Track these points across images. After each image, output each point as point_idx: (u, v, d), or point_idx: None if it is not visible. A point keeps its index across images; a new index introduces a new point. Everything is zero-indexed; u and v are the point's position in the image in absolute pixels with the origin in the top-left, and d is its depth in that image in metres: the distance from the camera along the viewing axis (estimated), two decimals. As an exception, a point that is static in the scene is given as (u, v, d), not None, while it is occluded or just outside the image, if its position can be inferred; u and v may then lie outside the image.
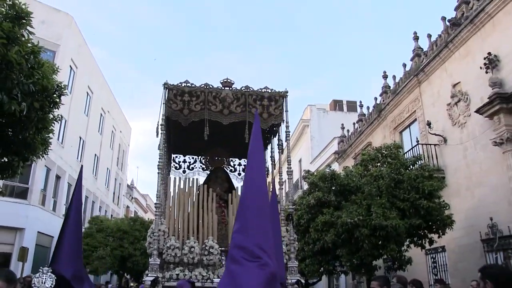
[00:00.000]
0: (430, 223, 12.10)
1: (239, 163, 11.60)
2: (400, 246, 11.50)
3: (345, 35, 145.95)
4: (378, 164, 13.00)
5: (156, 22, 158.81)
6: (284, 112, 8.79)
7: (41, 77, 6.04)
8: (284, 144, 9.08)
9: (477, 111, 12.90)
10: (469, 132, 14.16)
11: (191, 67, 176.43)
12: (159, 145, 8.49)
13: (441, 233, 12.46)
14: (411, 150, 16.85)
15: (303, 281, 6.48)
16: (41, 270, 4.23)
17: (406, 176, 11.85)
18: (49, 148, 7.29)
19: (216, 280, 7.49)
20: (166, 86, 8.47)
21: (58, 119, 7.21)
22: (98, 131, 34.44)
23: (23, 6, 5.50)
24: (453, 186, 14.75)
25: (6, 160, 6.04)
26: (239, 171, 11.51)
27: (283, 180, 9.16)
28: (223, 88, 8.71)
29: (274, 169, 10.01)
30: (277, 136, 9.57)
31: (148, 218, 31.01)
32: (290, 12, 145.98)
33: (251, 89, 8.83)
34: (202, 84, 8.61)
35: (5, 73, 4.70)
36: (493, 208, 12.54)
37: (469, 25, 14.18)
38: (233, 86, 8.80)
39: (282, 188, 9.17)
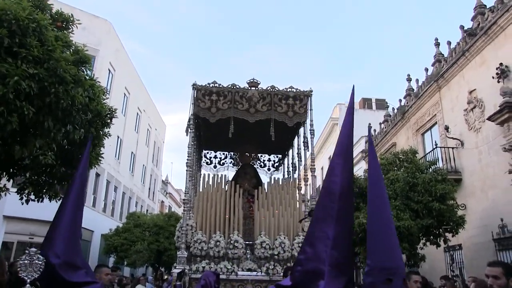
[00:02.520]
0: (444, 223, 13.01)
1: (269, 158, 12.04)
2: (413, 244, 12.45)
3: (383, 31, 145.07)
4: (396, 168, 13.97)
5: (196, 15, 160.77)
6: (309, 111, 9.19)
7: (96, 104, 7.34)
8: (309, 141, 9.41)
9: (489, 118, 13.71)
10: (483, 137, 14.96)
11: (230, 61, 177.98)
12: (188, 143, 8.90)
13: (454, 233, 13.35)
14: (431, 153, 17.74)
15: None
16: (27, 252, 3.60)
17: (421, 179, 12.77)
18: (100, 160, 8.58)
19: (240, 273, 8.01)
20: (195, 86, 8.87)
21: (108, 135, 8.51)
22: (135, 129, 36.07)
23: (86, 52, 6.80)
24: (469, 187, 15.59)
25: (68, 173, 7.34)
26: (269, 166, 11.93)
27: (308, 177, 9.54)
28: (249, 88, 9.14)
29: (301, 165, 10.36)
30: (302, 134, 9.89)
31: (182, 213, 32.29)
32: (331, 6, 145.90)
33: (277, 88, 9.18)
34: (229, 85, 9.05)
35: (70, 110, 5.94)
36: (504, 209, 13.38)
37: (483, 36, 14.93)
38: (259, 86, 9.22)
39: (307, 184, 9.63)
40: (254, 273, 8.16)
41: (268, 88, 9.16)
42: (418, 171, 13.26)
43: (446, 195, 12.73)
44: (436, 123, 18.67)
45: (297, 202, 9.42)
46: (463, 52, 16.14)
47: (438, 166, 15.01)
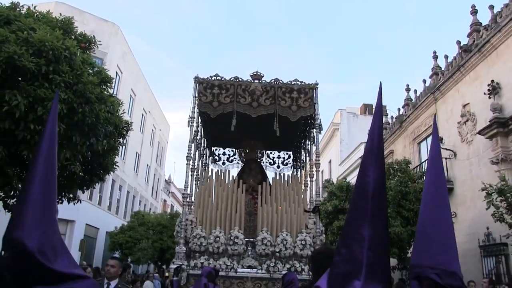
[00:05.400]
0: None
1: (278, 155, 11.74)
2: (403, 249, 13.22)
3: (384, 35, 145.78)
4: (390, 177, 14.74)
5: (199, 14, 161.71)
6: (314, 104, 8.71)
7: (115, 117, 8.17)
8: (318, 136, 9.14)
9: (480, 132, 14.48)
10: (474, 149, 15.71)
11: (232, 60, 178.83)
12: (190, 136, 8.55)
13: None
14: (425, 162, 18.50)
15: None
16: None
17: (412, 188, 13.56)
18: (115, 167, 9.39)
19: (240, 269, 7.75)
20: (197, 79, 8.55)
21: (123, 144, 9.32)
22: (140, 130, 36.84)
23: (107, 73, 7.65)
24: (460, 196, 16.35)
25: (89, 178, 8.18)
26: (278, 163, 11.63)
27: (313, 173, 9.22)
28: (252, 81, 8.70)
29: (309, 161, 10.04)
30: (312, 129, 9.60)
31: (182, 207, 33.13)
32: (333, 9, 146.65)
33: (281, 81, 8.75)
34: (231, 77, 8.61)
35: (95, 124, 6.76)
36: (490, 218, 14.10)
37: (477, 53, 15.70)
38: (262, 79, 8.77)
39: (313, 181, 9.30)
40: (254, 270, 7.88)
41: (271, 81, 8.77)
42: (410, 180, 14.04)
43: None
44: (431, 133, 19.38)
45: (302, 199, 9.04)
46: (459, 67, 16.90)
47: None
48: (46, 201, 3.04)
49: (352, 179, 25.08)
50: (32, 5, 7.51)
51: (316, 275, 3.07)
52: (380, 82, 4.16)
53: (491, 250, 13.87)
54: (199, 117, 9.22)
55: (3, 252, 2.79)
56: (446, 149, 17.31)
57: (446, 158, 17.51)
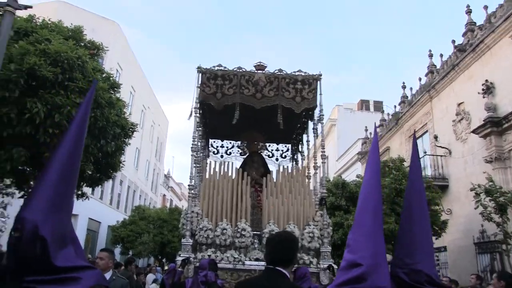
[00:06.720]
0: (428, 227, 14.14)
1: (277, 148, 11.65)
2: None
3: (380, 30, 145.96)
4: (385, 174, 15.09)
5: (189, 4, 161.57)
6: (318, 96, 8.57)
7: (121, 119, 8.56)
8: (319, 128, 9.03)
9: (474, 131, 14.86)
10: (469, 147, 16.09)
11: (223, 52, 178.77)
12: (193, 128, 8.47)
13: (437, 236, 14.49)
14: (421, 160, 18.90)
15: (335, 266, 7.21)
16: None
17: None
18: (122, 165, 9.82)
19: (248, 262, 7.65)
20: (200, 69, 8.42)
21: (129, 145, 9.72)
22: (140, 125, 37.18)
23: (116, 79, 8.06)
24: (455, 193, 16.75)
25: (98, 177, 8.62)
26: (277, 156, 11.56)
27: (318, 165, 9.12)
28: (256, 71, 8.55)
29: (309, 154, 10.02)
30: (312, 120, 9.41)
31: (183, 206, 33.78)
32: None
33: (284, 72, 8.58)
34: (235, 68, 8.48)
35: (105, 127, 7.16)
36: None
37: (471, 53, 16.05)
38: (266, 70, 8.63)
39: (317, 173, 9.28)
40: (262, 263, 7.38)
41: (275, 72, 8.57)
42: (405, 178, 14.38)
43: (430, 201, 13.85)
44: (427, 131, 19.81)
45: (307, 191, 8.86)
46: (453, 66, 17.25)
47: (424, 174, 16.14)
48: (65, 188, 2.99)
49: (349, 175, 25.50)
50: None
51: (267, 256, 3.23)
52: (375, 124, 4.58)
53: (485, 247, 14.24)
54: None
55: (13, 232, 2.71)
56: (441, 146, 17.72)
57: (441, 156, 17.93)
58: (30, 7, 5.61)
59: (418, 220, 3.66)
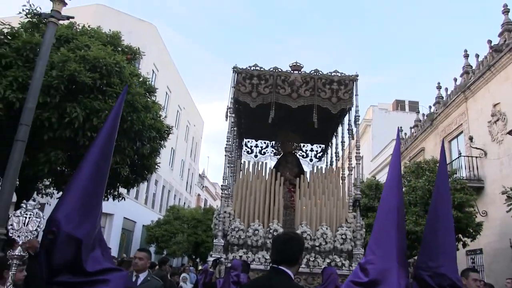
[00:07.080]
0: (462, 229, 14.01)
1: (311, 148, 11.64)
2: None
3: (417, 30, 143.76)
4: (419, 176, 15.02)
5: (228, 6, 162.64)
6: (354, 96, 8.57)
7: (157, 122, 8.87)
8: (354, 129, 8.93)
9: (510, 132, 14.63)
10: (505, 148, 15.84)
11: (262, 53, 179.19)
12: (228, 128, 8.51)
13: (472, 239, 14.32)
14: (455, 161, 18.69)
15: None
16: (24, 206, 2.97)
17: (440, 187, 13.81)
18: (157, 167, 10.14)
19: None
20: (235, 69, 8.49)
21: (164, 147, 10.03)
22: (175, 126, 37.78)
23: (152, 81, 8.36)
24: (490, 195, 16.49)
25: (133, 178, 8.96)
26: (311, 157, 11.55)
27: (352, 165, 9.07)
28: (292, 71, 8.60)
29: (344, 154, 9.98)
30: (347, 121, 9.37)
31: (217, 206, 34.10)
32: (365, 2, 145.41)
33: (320, 72, 8.59)
34: (271, 68, 8.54)
35: (141, 130, 7.47)
36: (521, 219, 14.29)
37: (508, 53, 15.79)
38: (302, 70, 8.65)
39: (351, 174, 9.23)
40: None
41: (311, 72, 8.57)
42: (439, 180, 14.29)
43: (465, 203, 13.72)
44: (462, 132, 19.54)
45: (341, 192, 8.86)
46: (489, 66, 16.99)
47: (459, 175, 15.97)
48: (95, 190, 3.26)
49: (383, 176, 25.32)
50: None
51: (272, 255, 3.31)
52: (398, 130, 4.67)
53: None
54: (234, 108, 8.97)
55: (47, 234, 2.79)
56: (476, 148, 17.47)
57: (476, 157, 17.69)
58: (72, 17, 5.98)
59: (443, 224, 3.89)
